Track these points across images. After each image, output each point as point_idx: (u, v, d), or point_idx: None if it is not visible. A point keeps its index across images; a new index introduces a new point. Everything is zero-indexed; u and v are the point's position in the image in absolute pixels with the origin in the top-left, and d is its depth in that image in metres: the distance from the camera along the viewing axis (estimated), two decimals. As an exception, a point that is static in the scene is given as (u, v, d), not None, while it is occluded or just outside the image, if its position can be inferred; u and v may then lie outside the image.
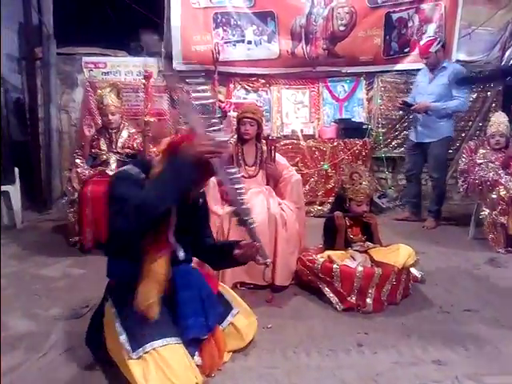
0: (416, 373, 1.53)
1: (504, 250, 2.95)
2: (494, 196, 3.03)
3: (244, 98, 4.54)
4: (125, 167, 1.50)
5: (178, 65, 4.35)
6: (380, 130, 4.64)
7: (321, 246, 2.54)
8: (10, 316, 2.02)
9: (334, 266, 2.15)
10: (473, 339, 1.77)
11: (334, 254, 2.30)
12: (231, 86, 4.56)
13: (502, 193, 2.98)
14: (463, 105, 3.58)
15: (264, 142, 2.76)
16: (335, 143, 4.27)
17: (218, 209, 2.42)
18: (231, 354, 1.65)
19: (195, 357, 1.47)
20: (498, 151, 3.30)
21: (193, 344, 1.48)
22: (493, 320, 1.95)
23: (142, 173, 1.43)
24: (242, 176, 2.62)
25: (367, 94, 4.66)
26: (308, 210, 4.16)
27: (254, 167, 2.68)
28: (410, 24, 4.36)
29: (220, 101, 4.33)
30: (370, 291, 2.09)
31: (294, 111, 4.65)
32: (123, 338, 1.39)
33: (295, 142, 4.30)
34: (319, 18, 4.27)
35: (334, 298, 2.14)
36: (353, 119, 4.55)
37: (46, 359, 1.65)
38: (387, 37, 4.37)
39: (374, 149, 4.64)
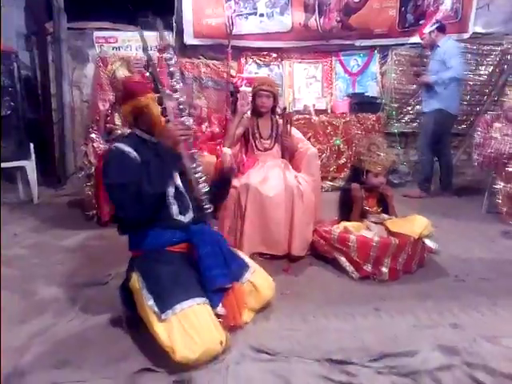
0: (434, 334, 1.57)
1: (518, 223, 2.96)
2: (510, 169, 3.01)
3: (256, 73, 4.50)
4: (117, 144, 1.59)
5: (189, 39, 4.31)
6: (393, 104, 4.58)
7: (335, 219, 2.57)
8: (36, 283, 2.09)
9: (351, 236, 2.19)
10: (489, 305, 1.81)
11: (351, 225, 2.33)
12: (242, 60, 4.51)
13: (518, 166, 2.96)
14: (457, 72, 3.62)
15: (279, 115, 2.76)
16: (348, 118, 4.24)
17: (235, 181, 2.43)
18: (252, 315, 1.71)
19: (219, 307, 1.54)
20: (515, 125, 3.25)
21: (217, 295, 1.55)
22: (507, 288, 1.98)
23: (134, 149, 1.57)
24: (258, 149, 2.67)
25: (381, 68, 4.59)
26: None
27: (269, 140, 2.69)
28: (426, -6, 4.24)
29: (231, 76, 4.30)
30: (385, 260, 2.13)
31: (306, 86, 4.60)
32: (151, 302, 1.45)
33: (307, 117, 4.27)
34: (333, -12, 4.17)
35: (349, 267, 2.18)
36: (366, 94, 4.50)
37: (74, 323, 1.72)
38: (403, 8, 4.26)
39: (386, 124, 4.60)
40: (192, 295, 1.44)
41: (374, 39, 4.38)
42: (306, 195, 2.42)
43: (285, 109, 2.76)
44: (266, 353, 1.43)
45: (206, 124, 3.55)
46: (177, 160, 1.62)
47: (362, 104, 4.29)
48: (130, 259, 1.69)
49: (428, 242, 2.40)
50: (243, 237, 2.32)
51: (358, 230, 2.28)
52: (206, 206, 1.73)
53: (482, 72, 4.61)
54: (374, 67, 4.56)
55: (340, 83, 4.61)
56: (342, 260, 2.23)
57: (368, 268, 2.14)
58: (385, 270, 2.12)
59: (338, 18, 4.25)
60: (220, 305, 1.55)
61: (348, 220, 2.43)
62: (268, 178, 2.42)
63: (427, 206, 3.56)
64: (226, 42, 4.17)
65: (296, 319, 1.73)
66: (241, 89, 4.01)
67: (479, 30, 4.50)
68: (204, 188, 1.71)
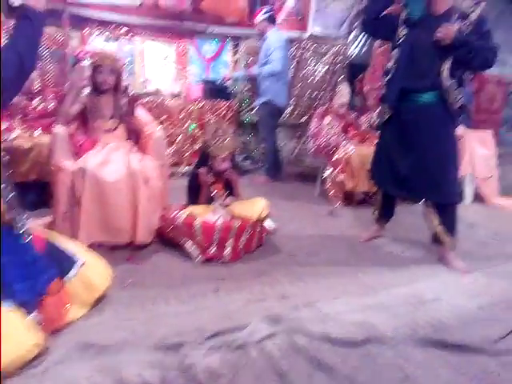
0: (265, 306, 1.72)
1: (341, 204, 3.45)
2: (336, 157, 3.48)
3: (102, 48, 4.12)
4: None
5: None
6: (245, 94, 4.79)
7: (184, 203, 2.57)
8: None
9: (196, 220, 2.22)
10: (311, 275, 2.07)
11: (196, 209, 2.36)
12: (87, 31, 4.08)
13: (342, 154, 3.44)
14: (276, 67, 3.81)
15: (123, 94, 2.59)
16: (201, 104, 4.26)
17: (68, 164, 2.20)
18: (85, 310, 1.59)
19: (32, 315, 1.38)
20: (341, 118, 3.76)
21: (28, 304, 1.39)
22: (328, 260, 2.30)
23: None
24: (99, 130, 2.46)
25: (233, 56, 4.73)
26: (175, 171, 4.14)
27: (112, 121, 2.50)
28: (273, -10, 4.51)
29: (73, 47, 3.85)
30: (228, 242, 2.23)
31: (159, 67, 4.43)
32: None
33: (160, 100, 4.14)
34: (181, -32, 4.08)
35: (195, 251, 2.22)
36: (219, 81, 4.58)
37: None
38: (252, 1, 4.44)
39: (239, 112, 4.80)
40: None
41: (225, 27, 4.47)
42: (151, 181, 2.34)
43: (126, 88, 2.60)
44: (95, 347, 1.34)
45: (39, 99, 3.11)
46: None
47: (215, 90, 4.36)
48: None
49: (267, 222, 2.62)
50: (80, 225, 2.12)
51: (204, 214, 2.33)
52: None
53: (320, 69, 5.19)
54: (227, 55, 4.68)
55: (194, 67, 4.59)
56: (188, 244, 2.25)
57: (212, 251, 2.21)
58: (228, 251, 2.22)
59: (190, 1, 4.19)
60: (35, 312, 1.39)
61: (196, 204, 2.46)
62: (108, 162, 2.26)
63: (271, 191, 3.86)
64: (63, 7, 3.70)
65: (134, 308, 1.67)
66: (82, 62, 3.61)
67: (318, 30, 5.03)
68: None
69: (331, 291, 1.89)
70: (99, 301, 1.68)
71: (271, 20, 3.94)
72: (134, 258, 2.18)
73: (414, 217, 2.91)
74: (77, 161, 2.24)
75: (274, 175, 4.24)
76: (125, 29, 4.21)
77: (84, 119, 2.48)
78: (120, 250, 2.23)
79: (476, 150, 3.73)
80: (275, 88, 3.93)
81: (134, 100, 2.66)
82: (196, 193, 2.50)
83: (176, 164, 4.18)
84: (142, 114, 2.67)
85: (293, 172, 4.92)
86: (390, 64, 2.30)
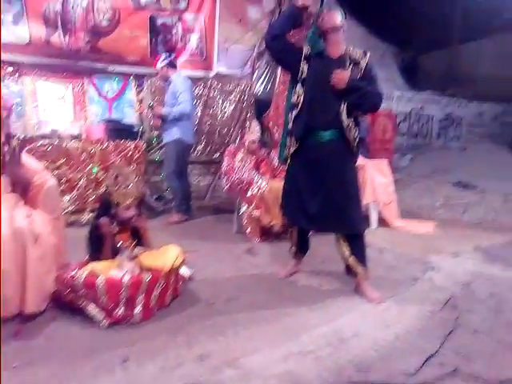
0: (182, 373, 1.54)
1: (259, 240, 3.42)
2: (250, 193, 3.47)
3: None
4: None
5: None
6: (154, 132, 4.63)
7: (85, 259, 2.29)
8: None
9: (99, 278, 1.97)
10: (231, 326, 1.93)
11: (99, 266, 2.10)
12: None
13: (255, 190, 3.44)
14: (185, 108, 3.84)
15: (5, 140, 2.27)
16: (105, 145, 3.99)
17: None
18: None
19: None
20: (252, 155, 3.80)
21: None
22: (248, 304, 2.19)
23: None
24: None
25: (138, 95, 4.58)
26: (77, 219, 3.78)
27: (-10, 173, 2.16)
28: (174, 30, 4.52)
29: None
30: (138, 299, 2.01)
31: (54, 107, 4.08)
32: None
33: (57, 142, 3.78)
34: (78, 8, 3.90)
35: (99, 315, 1.95)
36: (124, 120, 4.37)
37: None
38: (153, 40, 4.39)
39: (148, 151, 4.61)
40: None
41: (127, 66, 4.33)
42: (42, 238, 2.04)
43: (9, 134, 2.29)
44: None
45: None
46: None
47: (119, 130, 4.12)
48: None
49: (183, 269, 2.46)
50: None
51: (108, 270, 2.08)
52: None
53: (227, 107, 5.27)
54: (131, 94, 4.51)
55: (95, 107, 4.32)
56: (91, 308, 1.98)
57: (120, 312, 1.97)
58: (138, 310, 2.00)
59: (87, 39, 3.99)
60: None
61: (99, 259, 2.20)
62: (-12, 221, 1.92)
63: (187, 232, 3.71)
64: None
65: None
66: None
67: (223, 69, 5.14)
68: None
69: (253, 342, 1.78)
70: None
71: (172, 65, 3.96)
72: (22, 332, 1.84)
73: (329, 247, 2.97)
74: None
75: (186, 212, 4.11)
76: (10, 68, 3.83)
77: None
78: (6, 324, 1.87)
79: (375, 179, 4.02)
80: (184, 126, 3.93)
81: (20, 146, 2.35)
82: (98, 246, 2.24)
83: (78, 211, 3.82)
84: (30, 161, 2.36)
85: (210, 208, 4.83)
86: (295, 99, 2.36)
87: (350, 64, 2.26)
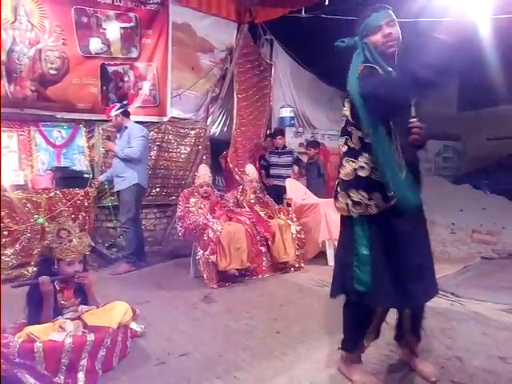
0: None
1: (216, 285, 3.33)
2: (205, 238, 3.41)
3: None
4: None
5: None
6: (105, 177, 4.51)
7: (24, 321, 2.11)
8: None
9: (36, 344, 1.81)
10: (183, 387, 1.82)
11: (37, 329, 1.93)
12: None
13: (211, 234, 3.39)
14: (135, 153, 3.82)
15: None
16: (51, 194, 3.83)
17: None
18: None
19: None
20: (206, 199, 3.78)
21: None
22: (202, 360, 2.07)
23: None
24: None
25: (88, 142, 4.49)
26: (20, 273, 3.55)
27: None
28: (126, 78, 4.55)
29: None
30: (81, 363, 1.86)
31: (-3, 157, 3.90)
32: None
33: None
34: (24, 58, 3.85)
35: (36, 386, 1.77)
36: (73, 167, 4.25)
37: None
38: (104, 87, 4.39)
39: (100, 198, 4.48)
40: None
41: (77, 113, 4.27)
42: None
43: None
44: None
45: None
46: None
47: (67, 178, 3.99)
48: None
49: (132, 325, 2.32)
50: None
51: (47, 334, 1.92)
52: None
53: (183, 151, 5.28)
54: (81, 140, 4.42)
55: (42, 155, 4.18)
56: (28, 378, 1.80)
57: (60, 380, 1.80)
58: (81, 375, 1.84)
59: (33, 88, 3.91)
60: None
61: (38, 322, 2.03)
62: None
63: (140, 280, 3.56)
64: None
65: None
66: None
67: (178, 114, 5.19)
68: None
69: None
70: None
71: (126, 114, 3.95)
72: None
73: (287, 290, 2.95)
74: None
75: (134, 263, 3.96)
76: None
77: None
78: None
79: (330, 216, 4.10)
80: (141, 170, 3.92)
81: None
82: (38, 307, 2.08)
83: (21, 265, 3.58)
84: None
85: (166, 253, 4.69)
86: None
87: None
